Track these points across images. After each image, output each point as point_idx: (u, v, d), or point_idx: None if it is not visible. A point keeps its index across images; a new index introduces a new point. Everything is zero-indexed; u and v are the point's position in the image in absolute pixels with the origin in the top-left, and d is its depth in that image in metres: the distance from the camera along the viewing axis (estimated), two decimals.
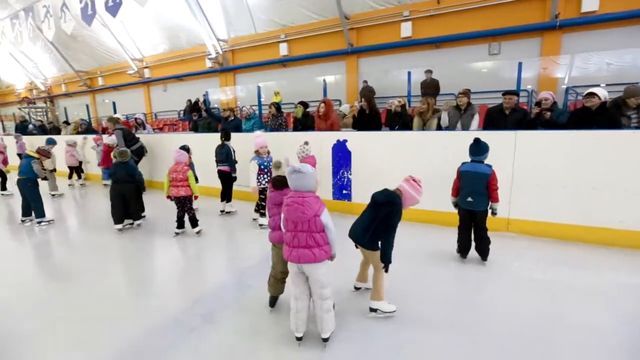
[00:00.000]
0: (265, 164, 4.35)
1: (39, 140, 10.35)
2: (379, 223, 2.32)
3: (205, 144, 5.81)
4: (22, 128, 11.20)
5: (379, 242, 2.37)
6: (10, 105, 23.65)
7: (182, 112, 13.95)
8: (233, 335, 2.38)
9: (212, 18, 12.34)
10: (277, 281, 2.64)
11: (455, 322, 2.46)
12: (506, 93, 4.40)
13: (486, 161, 3.21)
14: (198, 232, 4.48)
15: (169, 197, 4.39)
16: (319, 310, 2.17)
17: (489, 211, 3.24)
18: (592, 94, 3.88)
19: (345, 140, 4.82)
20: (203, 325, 2.50)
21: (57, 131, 10.93)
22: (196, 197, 4.51)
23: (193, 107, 12.50)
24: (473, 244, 3.39)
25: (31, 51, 18.65)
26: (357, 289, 2.86)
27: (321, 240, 2.09)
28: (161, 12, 12.89)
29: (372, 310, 2.47)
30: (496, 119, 4.52)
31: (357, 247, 2.55)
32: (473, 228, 3.34)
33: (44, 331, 2.52)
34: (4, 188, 7.52)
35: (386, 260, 2.33)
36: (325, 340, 2.20)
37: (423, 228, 4.30)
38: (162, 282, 3.38)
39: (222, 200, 5.29)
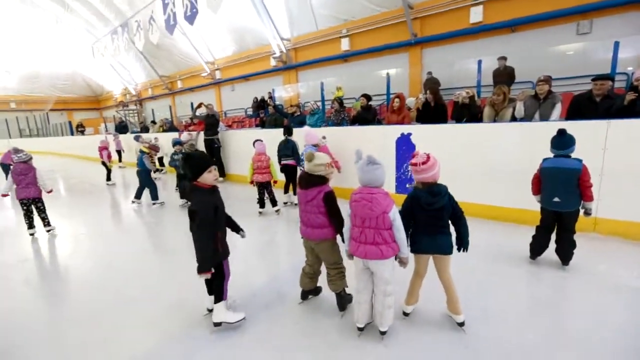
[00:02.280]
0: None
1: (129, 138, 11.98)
2: (456, 221, 2.23)
3: (273, 139, 6.18)
4: (120, 128, 13.04)
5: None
6: (110, 109, 27.71)
7: (247, 110, 14.96)
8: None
9: (276, 18, 12.85)
10: (305, 275, 2.61)
11: (531, 324, 2.33)
12: (597, 78, 3.89)
13: (573, 155, 2.87)
14: (277, 211, 5.24)
15: (252, 182, 5.18)
16: (379, 305, 2.16)
17: (581, 211, 2.91)
18: None
19: (409, 134, 4.75)
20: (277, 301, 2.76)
21: (147, 130, 12.53)
22: (275, 182, 5.22)
23: (259, 105, 13.34)
24: (553, 246, 3.10)
25: (125, 61, 21.51)
26: (406, 314, 2.44)
27: (388, 237, 2.07)
28: (229, 15, 13.81)
29: (462, 324, 2.27)
30: (584, 108, 4.03)
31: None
32: (557, 230, 3.04)
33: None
34: (109, 179, 8.91)
35: (467, 243, 2.24)
36: (383, 333, 2.21)
37: (493, 225, 4.05)
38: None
39: (285, 193, 5.62)
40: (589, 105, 4.01)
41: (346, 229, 2.26)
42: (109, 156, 9.06)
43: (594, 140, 3.52)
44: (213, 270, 2.25)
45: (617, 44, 5.24)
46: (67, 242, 4.75)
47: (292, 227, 4.61)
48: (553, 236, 3.09)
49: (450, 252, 2.22)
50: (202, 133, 7.67)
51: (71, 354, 2.32)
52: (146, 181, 6.22)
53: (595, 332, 2.21)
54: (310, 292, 2.70)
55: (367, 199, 2.05)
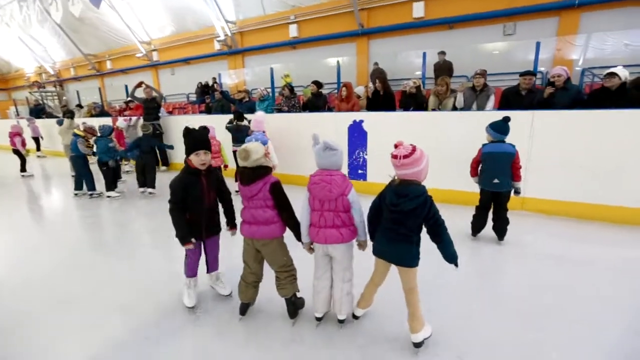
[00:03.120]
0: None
1: (54, 123, 10.55)
2: (429, 231, 1.91)
3: (220, 125, 5.89)
4: (37, 112, 11.35)
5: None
6: (21, 90, 23.84)
7: (190, 96, 14.01)
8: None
9: None
10: (247, 285, 2.28)
11: (472, 290, 2.59)
12: (524, 74, 4.37)
13: (507, 141, 3.20)
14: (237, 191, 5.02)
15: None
16: (338, 292, 2.14)
17: (512, 191, 3.26)
18: (613, 74, 3.85)
19: (361, 121, 4.87)
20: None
21: (72, 114, 11.05)
22: (226, 167, 5.17)
23: (204, 90, 12.57)
24: (489, 223, 3.45)
25: (39, 35, 18.59)
26: (356, 317, 2.26)
27: (347, 220, 2.04)
28: None
29: (418, 345, 1.99)
30: (512, 100, 4.51)
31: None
32: (493, 208, 3.37)
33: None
34: (24, 169, 7.73)
35: (454, 257, 1.90)
36: (341, 321, 2.20)
37: (440, 207, 4.37)
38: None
39: (236, 181, 5.39)
40: (516, 98, 4.49)
41: (302, 218, 2.13)
42: (23, 143, 7.84)
43: (521, 129, 3.96)
44: (194, 241, 2.34)
45: (538, 44, 5.94)
46: None
47: None
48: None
49: (410, 264, 1.93)
50: (141, 118, 6.97)
51: None
52: (82, 169, 5.57)
53: (528, 294, 2.54)
54: (250, 303, 2.39)
55: (326, 181, 2.00)
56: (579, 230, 3.67)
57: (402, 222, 1.89)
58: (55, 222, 4.84)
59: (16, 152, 7.75)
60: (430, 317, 2.20)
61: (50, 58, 20.61)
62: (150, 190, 5.60)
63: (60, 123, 7.62)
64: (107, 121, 7.45)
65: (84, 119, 9.00)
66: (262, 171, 2.09)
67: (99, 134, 5.55)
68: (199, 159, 2.25)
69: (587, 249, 3.24)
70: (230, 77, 13.50)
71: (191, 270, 2.52)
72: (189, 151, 2.26)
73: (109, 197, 5.61)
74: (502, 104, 4.61)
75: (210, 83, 12.50)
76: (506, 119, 3.16)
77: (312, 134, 2.16)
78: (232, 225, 2.53)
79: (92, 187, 5.65)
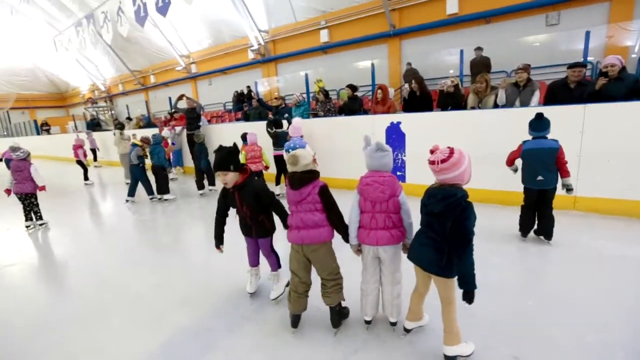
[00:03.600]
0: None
1: (109, 135, 11.50)
2: (450, 236, 1.74)
3: (259, 131, 6.15)
4: (93, 125, 12.44)
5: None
6: (77, 106, 26.25)
7: (226, 104, 14.66)
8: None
9: (253, 9, 12.59)
10: (299, 295, 2.22)
11: (526, 290, 2.52)
12: (572, 65, 4.13)
13: (549, 136, 3.09)
14: (278, 195, 5.44)
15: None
16: (388, 295, 2.14)
17: (560, 189, 3.12)
18: None
19: (399, 122, 4.87)
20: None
21: (122, 127, 12.01)
22: (267, 168, 5.56)
23: (239, 98, 13.10)
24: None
25: (92, 55, 20.38)
26: (407, 331, 2.16)
27: (398, 221, 2.05)
28: (205, 8, 13.41)
29: (450, 358, 1.90)
30: (560, 94, 4.27)
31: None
32: (538, 207, 3.25)
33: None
34: (87, 178, 8.52)
35: (470, 285, 1.69)
36: (393, 324, 2.19)
37: (481, 207, 4.23)
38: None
39: (277, 184, 5.62)
40: (564, 92, 4.26)
41: (351, 220, 2.15)
42: (85, 155, 8.66)
43: (572, 124, 3.77)
44: (222, 248, 2.65)
45: (588, 34, 5.58)
46: (62, 237, 4.81)
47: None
48: None
49: (441, 273, 1.82)
50: (185, 128, 7.46)
51: (82, 354, 2.26)
52: (141, 175, 6.06)
53: (585, 295, 2.43)
54: (300, 315, 2.30)
55: (379, 182, 2.03)
56: (638, 230, 3.42)
57: (432, 225, 1.82)
58: (119, 225, 5.30)
59: (79, 162, 8.58)
60: (483, 318, 2.19)
61: (101, 75, 22.50)
62: (211, 188, 6.39)
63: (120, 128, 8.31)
64: (154, 131, 8.03)
65: (133, 131, 9.74)
66: (311, 175, 2.13)
67: (152, 143, 6.06)
68: (220, 179, 2.43)
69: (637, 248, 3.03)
70: (263, 85, 13.94)
71: (250, 261, 2.75)
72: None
73: (166, 199, 6.13)
74: (549, 99, 4.39)
75: (246, 91, 13.04)
76: (539, 116, 3.06)
77: (364, 136, 2.18)
78: (284, 226, 2.44)
79: (150, 191, 6.17)
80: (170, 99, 11.51)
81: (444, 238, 1.77)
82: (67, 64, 22.13)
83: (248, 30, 12.88)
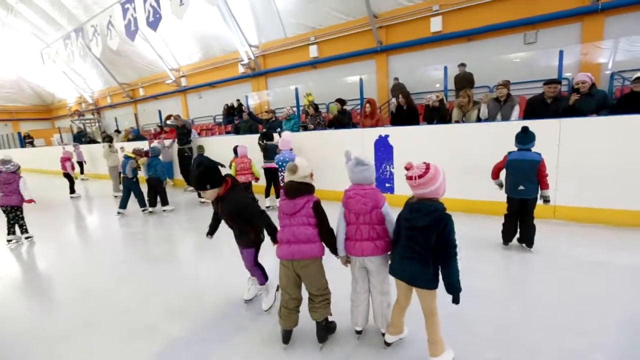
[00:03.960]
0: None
1: (96, 148, 11.36)
2: (437, 250, 1.82)
3: (249, 144, 6.27)
4: (79, 138, 12.28)
5: (438, 276, 1.88)
6: (63, 118, 25.84)
7: (216, 118, 14.72)
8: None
9: (244, 25, 12.82)
10: (290, 311, 2.21)
11: (508, 298, 2.62)
12: (548, 82, 4.40)
13: (533, 149, 3.27)
14: (268, 207, 5.64)
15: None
16: (378, 306, 2.19)
17: (540, 200, 3.28)
18: None
19: (387, 135, 5.02)
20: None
21: (110, 139, 11.90)
22: (257, 179, 5.67)
23: (229, 111, 13.19)
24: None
25: (80, 67, 20.26)
26: (388, 344, 2.18)
27: (382, 232, 2.10)
28: (195, 22, 13.58)
29: None
30: (538, 109, 4.51)
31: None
32: (520, 216, 3.39)
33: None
34: (73, 191, 8.38)
35: (456, 290, 1.80)
36: (384, 334, 2.21)
37: (465, 217, 4.40)
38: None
39: (266, 197, 5.68)
40: (542, 106, 4.50)
41: (338, 232, 2.20)
42: (73, 167, 8.55)
43: (549, 137, 3.97)
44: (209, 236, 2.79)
45: (561, 52, 5.93)
46: (48, 251, 4.73)
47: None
48: None
49: (425, 286, 1.88)
50: (176, 141, 7.53)
51: None
52: (135, 188, 6.09)
53: (566, 301, 2.55)
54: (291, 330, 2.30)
55: (361, 194, 2.10)
56: (614, 237, 3.61)
57: (416, 239, 1.85)
58: (108, 237, 5.25)
59: (66, 175, 8.45)
60: (466, 324, 2.27)
61: (89, 88, 22.31)
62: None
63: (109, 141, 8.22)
64: (143, 144, 8.01)
65: (121, 144, 9.68)
66: (307, 187, 2.19)
67: (150, 155, 6.13)
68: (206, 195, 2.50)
69: (625, 256, 3.19)
70: (253, 98, 14.09)
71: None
72: None
73: (164, 210, 6.19)
74: (528, 113, 4.63)
75: (236, 105, 13.15)
76: (524, 129, 3.24)
77: (345, 151, 2.25)
78: (273, 240, 2.44)
79: (143, 204, 6.19)
80: (160, 112, 11.57)
81: (428, 251, 1.82)
82: (54, 76, 21.90)
83: (238, 45, 13.08)
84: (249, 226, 2.59)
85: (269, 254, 2.68)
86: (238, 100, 13.22)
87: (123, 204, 6.14)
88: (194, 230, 5.11)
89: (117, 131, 12.09)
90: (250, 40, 13.31)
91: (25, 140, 15.87)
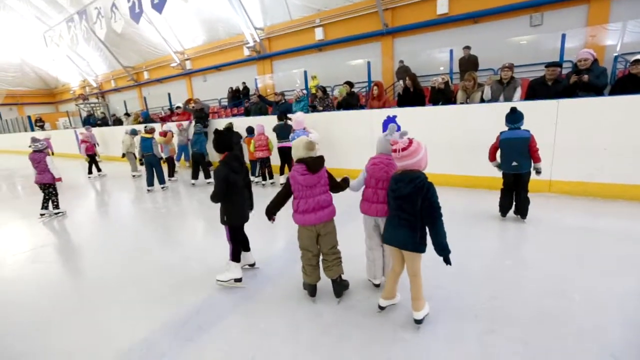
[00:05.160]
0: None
1: (107, 131, 11.63)
2: (421, 214, 1.99)
3: (267, 124, 6.58)
4: (89, 121, 12.54)
5: (426, 239, 2.07)
6: (67, 102, 25.97)
7: (221, 100, 14.86)
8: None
9: (249, 7, 12.77)
10: (314, 267, 2.52)
11: (506, 256, 2.97)
12: (549, 65, 4.59)
13: (523, 127, 3.52)
14: (272, 183, 6.32)
15: (254, 159, 6.21)
16: (388, 259, 2.52)
17: (533, 172, 3.57)
18: (639, 61, 4.04)
19: (394, 116, 5.29)
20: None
21: (120, 122, 12.17)
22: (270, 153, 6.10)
23: (235, 94, 13.35)
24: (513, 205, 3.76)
25: (84, 51, 20.24)
26: (382, 308, 2.35)
27: None
28: (200, 5, 13.53)
29: (419, 321, 2.16)
30: (538, 91, 4.73)
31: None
32: (515, 189, 3.68)
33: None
34: (90, 172, 8.82)
35: (446, 251, 1.98)
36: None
37: (467, 192, 4.76)
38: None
39: (281, 174, 6.03)
40: (542, 88, 4.72)
41: (353, 187, 2.59)
42: (88, 149, 8.84)
43: (547, 116, 4.24)
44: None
45: (564, 36, 6.09)
46: (79, 225, 5.12)
47: None
48: None
49: (413, 249, 2.05)
50: (193, 122, 7.82)
51: (111, 321, 2.61)
52: (157, 165, 6.52)
53: (551, 256, 2.95)
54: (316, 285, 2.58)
55: (384, 163, 2.40)
56: (602, 207, 3.96)
57: (402, 207, 2.02)
58: (135, 213, 5.69)
59: (90, 156, 8.84)
60: (466, 273, 2.66)
61: (93, 72, 22.33)
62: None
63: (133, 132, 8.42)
64: (156, 126, 8.27)
65: (134, 126, 9.93)
66: (322, 160, 2.43)
67: (196, 131, 6.78)
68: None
69: (608, 222, 3.56)
70: (263, 81, 14.19)
71: None
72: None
73: (208, 183, 6.86)
74: (529, 95, 4.85)
75: (241, 87, 13.29)
76: (513, 110, 3.51)
77: (389, 124, 2.63)
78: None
79: (163, 180, 6.60)
80: (169, 95, 11.78)
81: (415, 216, 2.00)
82: (57, 60, 21.91)
83: (244, 28, 13.08)
84: (223, 203, 2.78)
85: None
86: (244, 83, 13.35)
87: (150, 181, 6.57)
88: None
89: (127, 114, 12.32)
90: (255, 23, 13.30)
91: (36, 124, 16.10)
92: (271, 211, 2.54)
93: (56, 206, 5.37)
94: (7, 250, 4.15)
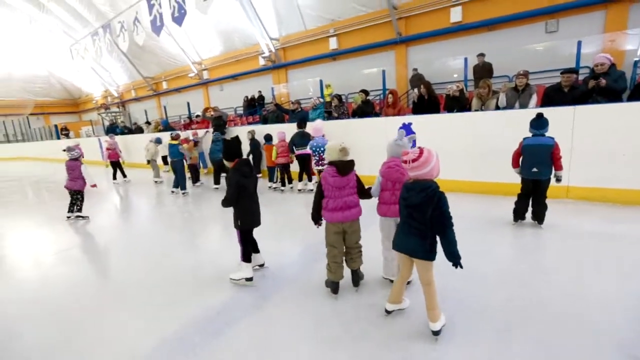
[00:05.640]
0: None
1: (130, 139, 12.07)
2: (432, 223, 2.00)
3: (273, 133, 6.86)
4: (113, 129, 13.07)
5: (436, 248, 2.07)
6: (90, 112, 27.06)
7: (237, 109, 15.25)
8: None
9: (265, 18, 13.14)
10: (339, 265, 2.65)
11: (521, 260, 3.01)
12: (565, 72, 4.63)
13: (547, 134, 3.55)
14: (291, 188, 6.52)
15: (275, 164, 6.41)
16: None
17: (553, 179, 3.59)
18: None
19: (410, 123, 5.39)
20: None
21: (141, 131, 12.64)
22: (292, 161, 6.26)
23: (250, 103, 13.69)
24: (530, 210, 3.78)
25: (107, 62, 21.11)
26: (388, 312, 2.40)
27: None
28: (217, 16, 13.96)
29: (437, 333, 2.12)
30: (554, 97, 4.75)
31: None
32: (533, 195, 3.71)
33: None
34: (115, 178, 9.19)
35: (456, 257, 1.97)
36: (409, 282, 2.64)
37: (481, 197, 4.80)
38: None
39: (300, 180, 6.20)
40: (559, 95, 4.74)
41: (374, 193, 2.72)
42: (110, 156, 9.25)
43: (564, 123, 4.26)
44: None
45: (579, 43, 6.09)
46: (102, 229, 5.39)
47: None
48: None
49: (423, 257, 2.06)
50: (210, 131, 8.13)
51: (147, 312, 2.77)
52: (181, 170, 6.90)
53: (567, 261, 2.99)
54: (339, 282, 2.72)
55: (398, 165, 2.57)
56: (620, 213, 3.95)
57: (413, 215, 2.04)
58: (160, 216, 5.98)
59: (114, 163, 9.25)
60: (481, 276, 2.72)
61: (114, 82, 23.26)
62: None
63: (158, 141, 8.85)
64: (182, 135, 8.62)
65: (156, 134, 10.32)
66: (353, 164, 2.62)
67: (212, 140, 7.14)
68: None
69: (624, 229, 3.56)
70: (279, 90, 14.48)
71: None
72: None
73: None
74: (545, 102, 4.88)
75: (257, 96, 13.63)
76: (539, 115, 3.53)
77: (398, 130, 2.76)
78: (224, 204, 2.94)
79: (184, 186, 6.92)
80: (188, 104, 12.17)
81: (425, 225, 2.00)
82: (81, 71, 22.92)
83: (259, 38, 13.46)
84: (235, 208, 2.93)
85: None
86: (259, 91, 13.69)
87: (184, 185, 6.95)
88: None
89: (148, 123, 12.80)
90: (270, 33, 13.66)
91: (62, 133, 16.87)
92: (316, 217, 2.73)
93: (79, 209, 5.68)
94: (38, 252, 4.41)
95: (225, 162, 2.91)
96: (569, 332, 2.09)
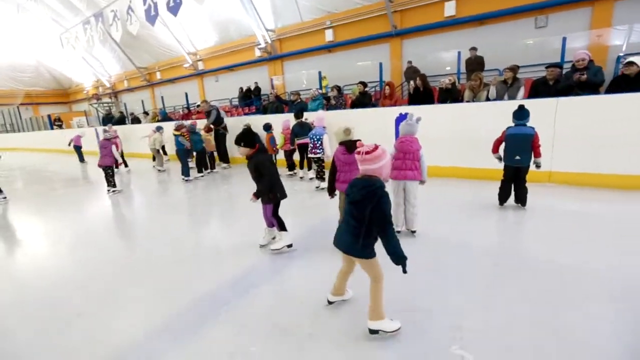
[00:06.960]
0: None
1: (127, 129, 12.08)
2: (369, 221, 1.92)
3: (278, 122, 7.05)
4: (108, 120, 13.08)
5: (372, 246, 2.01)
6: (80, 102, 26.68)
7: (232, 100, 15.32)
8: None
9: (261, 9, 13.19)
10: None
11: (506, 235, 3.39)
12: (549, 66, 4.99)
13: (529, 124, 3.86)
14: (295, 174, 6.88)
15: (275, 151, 6.87)
16: (410, 213, 3.43)
17: (533, 165, 3.92)
18: (631, 63, 4.41)
19: (407, 113, 5.67)
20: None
21: (138, 120, 12.68)
22: (294, 149, 6.59)
23: (245, 94, 13.81)
24: (512, 194, 4.12)
25: (98, 52, 20.83)
26: (330, 303, 2.38)
27: (418, 166, 3.35)
28: (213, 7, 13.95)
29: (373, 332, 2.04)
30: (540, 90, 5.12)
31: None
32: (515, 181, 4.03)
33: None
34: (126, 165, 9.36)
35: (400, 258, 1.87)
36: (413, 232, 3.46)
37: (469, 182, 5.15)
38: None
39: (301, 169, 6.51)
40: (544, 88, 5.11)
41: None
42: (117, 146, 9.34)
43: (547, 113, 4.63)
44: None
45: (564, 39, 6.45)
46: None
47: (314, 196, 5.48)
48: None
49: (358, 255, 2.01)
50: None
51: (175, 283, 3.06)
52: (184, 158, 7.26)
53: (546, 237, 3.35)
54: None
55: (409, 140, 3.35)
56: (596, 195, 4.35)
57: (352, 213, 1.98)
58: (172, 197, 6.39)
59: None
60: (469, 247, 3.08)
61: (106, 72, 22.95)
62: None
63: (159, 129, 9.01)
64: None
65: (157, 124, 10.41)
66: (356, 142, 2.98)
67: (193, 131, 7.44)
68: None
69: (597, 207, 3.99)
70: (278, 81, 14.58)
71: (265, 222, 3.50)
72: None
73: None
74: (532, 94, 5.24)
75: (253, 87, 13.74)
76: (521, 107, 3.86)
77: (409, 113, 3.45)
78: (257, 194, 3.18)
79: (187, 173, 7.19)
80: (186, 94, 12.26)
81: (361, 223, 1.94)
82: (71, 61, 22.50)
83: (255, 29, 13.50)
84: (259, 186, 3.20)
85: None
86: (256, 83, 13.80)
87: (187, 172, 7.22)
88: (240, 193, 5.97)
89: (145, 113, 12.84)
90: (266, 25, 13.72)
91: (55, 123, 16.75)
92: (331, 188, 3.30)
93: (113, 184, 6.55)
94: (53, 241, 4.64)
95: (243, 148, 3.13)
96: (546, 284, 2.51)
